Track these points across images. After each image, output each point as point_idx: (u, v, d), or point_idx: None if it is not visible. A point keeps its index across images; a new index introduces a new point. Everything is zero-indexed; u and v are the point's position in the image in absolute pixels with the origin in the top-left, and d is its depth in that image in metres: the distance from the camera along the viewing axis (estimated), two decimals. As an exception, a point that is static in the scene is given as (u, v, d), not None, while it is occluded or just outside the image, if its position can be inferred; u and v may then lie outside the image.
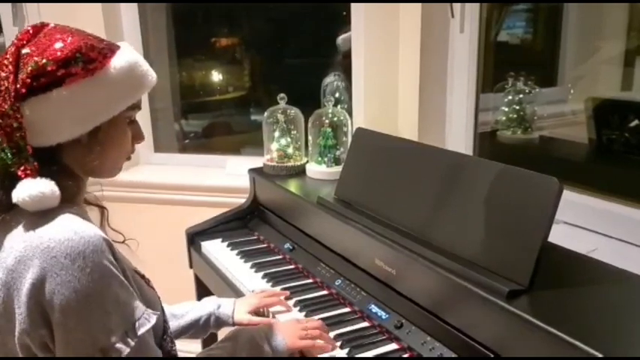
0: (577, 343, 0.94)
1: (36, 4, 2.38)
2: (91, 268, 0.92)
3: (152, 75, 1.12)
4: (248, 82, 3.13)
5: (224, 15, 3.03)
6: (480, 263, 1.20)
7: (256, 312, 1.45)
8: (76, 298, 0.91)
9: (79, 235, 0.93)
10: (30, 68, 0.97)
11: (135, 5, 2.51)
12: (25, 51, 0.99)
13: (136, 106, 1.10)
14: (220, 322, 1.44)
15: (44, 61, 0.97)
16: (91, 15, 2.35)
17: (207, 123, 3.18)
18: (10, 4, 2.39)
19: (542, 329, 1.00)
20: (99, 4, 2.38)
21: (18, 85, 0.96)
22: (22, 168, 0.97)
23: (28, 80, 0.97)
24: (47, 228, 0.95)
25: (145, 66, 1.10)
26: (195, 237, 1.99)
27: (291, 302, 1.51)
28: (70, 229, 0.94)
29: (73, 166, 1.06)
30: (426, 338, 1.25)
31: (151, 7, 2.66)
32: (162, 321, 1.14)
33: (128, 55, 1.07)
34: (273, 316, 1.46)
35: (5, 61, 0.98)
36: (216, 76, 3.14)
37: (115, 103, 1.04)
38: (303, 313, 1.46)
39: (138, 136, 1.14)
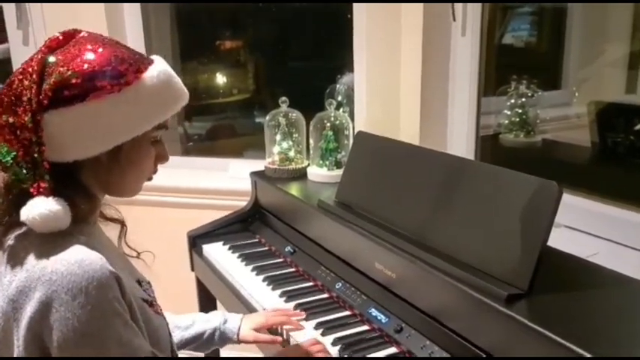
0: (577, 348, 0.93)
1: (39, 4, 2.39)
2: (93, 305, 0.87)
3: (183, 95, 1.05)
4: (252, 84, 3.12)
5: (228, 18, 3.04)
6: (480, 267, 1.19)
7: (270, 330, 1.40)
8: (73, 337, 0.87)
9: (83, 270, 0.87)
10: (54, 79, 0.91)
11: (138, 6, 2.50)
12: (51, 59, 0.93)
13: (163, 126, 1.04)
14: (225, 338, 1.38)
15: (69, 73, 0.92)
16: (93, 16, 2.35)
17: (211, 126, 3.18)
18: (14, 4, 2.39)
19: (542, 334, 0.99)
20: (101, 5, 2.38)
21: (40, 97, 0.91)
22: (35, 185, 0.91)
23: (51, 92, 0.91)
24: (51, 257, 0.89)
25: (177, 85, 1.04)
26: (196, 240, 1.98)
27: (290, 305, 1.51)
28: (74, 262, 0.88)
29: (90, 185, 1.01)
30: (425, 342, 1.25)
31: (154, 9, 2.66)
32: (170, 344, 1.11)
33: (160, 72, 1.00)
34: (287, 335, 1.40)
35: (30, 69, 0.92)
36: (220, 79, 3.14)
37: (139, 122, 0.98)
38: (303, 316, 1.45)
39: (162, 157, 1.08)
